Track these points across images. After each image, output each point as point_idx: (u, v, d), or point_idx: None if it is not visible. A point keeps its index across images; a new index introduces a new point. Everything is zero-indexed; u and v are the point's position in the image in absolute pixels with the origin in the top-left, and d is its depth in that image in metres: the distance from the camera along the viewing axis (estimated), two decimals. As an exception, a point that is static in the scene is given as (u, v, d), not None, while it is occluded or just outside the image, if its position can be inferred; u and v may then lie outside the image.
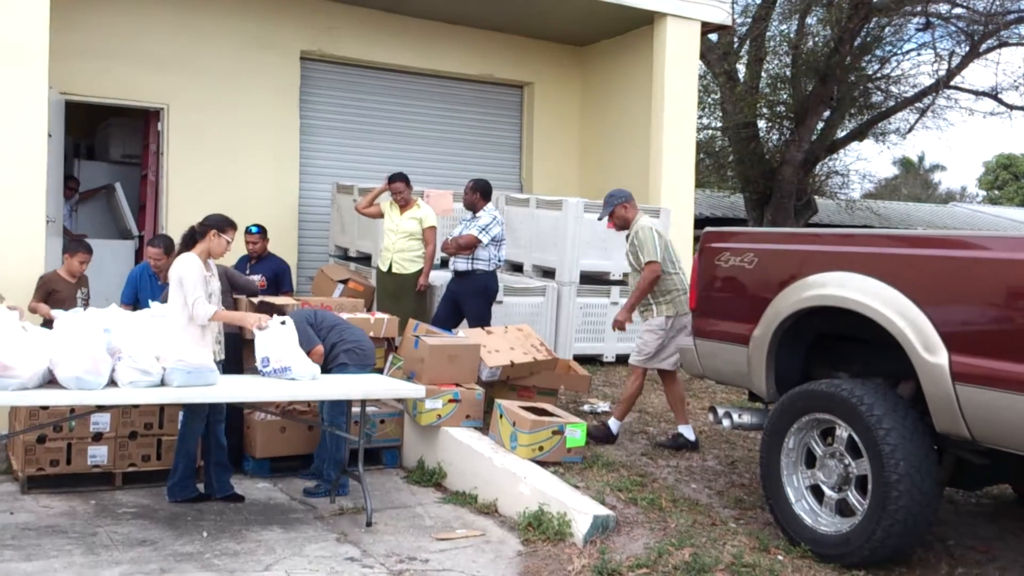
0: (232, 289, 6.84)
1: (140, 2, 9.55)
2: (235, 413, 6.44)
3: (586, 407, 7.53)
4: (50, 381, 4.85)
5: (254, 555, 4.85)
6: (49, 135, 7.71)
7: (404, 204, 8.25)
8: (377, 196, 8.51)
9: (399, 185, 8.21)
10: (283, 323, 5.72)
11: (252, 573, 4.61)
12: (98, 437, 5.98)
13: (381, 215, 8.46)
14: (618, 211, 6.82)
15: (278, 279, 8.20)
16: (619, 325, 6.73)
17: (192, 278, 5.59)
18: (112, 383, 4.92)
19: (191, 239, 5.80)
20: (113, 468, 6.01)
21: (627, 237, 6.83)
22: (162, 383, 5.01)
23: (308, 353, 5.92)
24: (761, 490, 5.21)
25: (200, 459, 5.97)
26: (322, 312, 6.45)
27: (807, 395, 4.85)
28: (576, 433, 6.08)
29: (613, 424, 6.71)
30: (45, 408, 5.72)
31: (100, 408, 5.70)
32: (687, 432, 6.68)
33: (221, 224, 5.81)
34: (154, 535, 5.10)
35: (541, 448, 5.99)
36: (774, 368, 5.12)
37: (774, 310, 5.04)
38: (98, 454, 5.97)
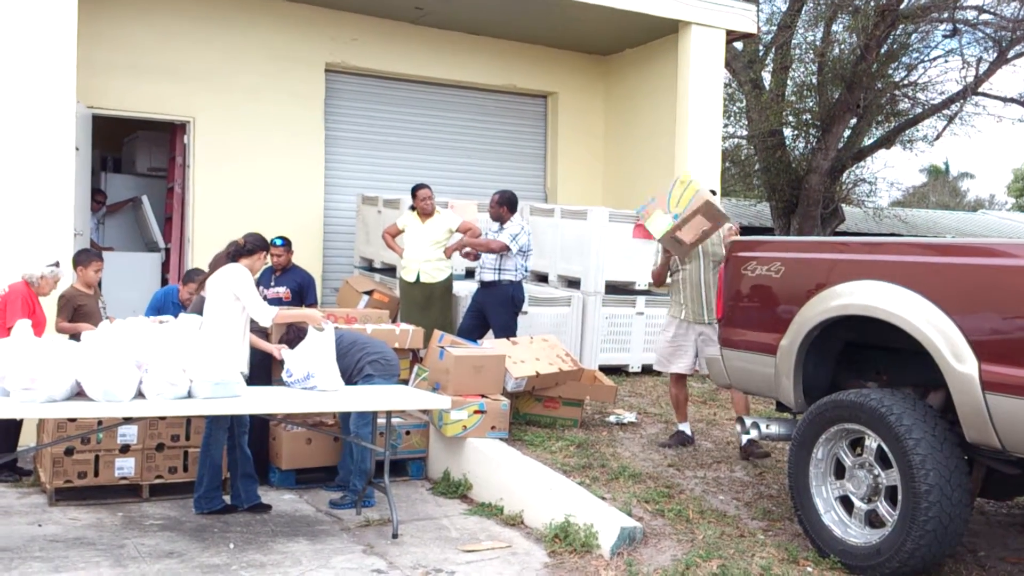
0: None
1: (166, 17, 9.65)
2: (261, 425, 6.47)
3: (612, 418, 7.49)
4: (78, 394, 4.89)
5: (280, 567, 4.85)
6: (76, 148, 7.81)
7: (430, 212, 8.26)
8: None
9: (427, 191, 8.24)
10: (322, 330, 5.83)
11: (278, 585, 4.62)
12: (125, 449, 6.02)
13: (401, 232, 8.46)
14: None
15: (302, 291, 8.23)
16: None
17: (248, 285, 5.76)
18: (139, 395, 4.95)
19: (237, 253, 5.90)
20: (140, 480, 6.05)
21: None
22: (189, 395, 5.04)
23: None
24: (790, 501, 5.15)
25: (226, 471, 6.00)
26: (341, 332, 6.47)
27: (836, 405, 4.78)
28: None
29: (684, 426, 6.85)
30: (73, 420, 5.77)
31: (127, 420, 5.75)
32: (686, 428, 6.93)
33: (266, 246, 6.07)
34: (181, 547, 5.11)
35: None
36: (802, 378, 5.07)
37: (801, 319, 4.99)
38: (125, 466, 6.01)
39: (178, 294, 7.36)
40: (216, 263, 5.96)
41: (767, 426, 5.36)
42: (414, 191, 8.36)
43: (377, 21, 10.71)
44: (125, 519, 5.62)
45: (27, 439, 6.59)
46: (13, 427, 6.31)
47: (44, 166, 7.40)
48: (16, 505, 5.82)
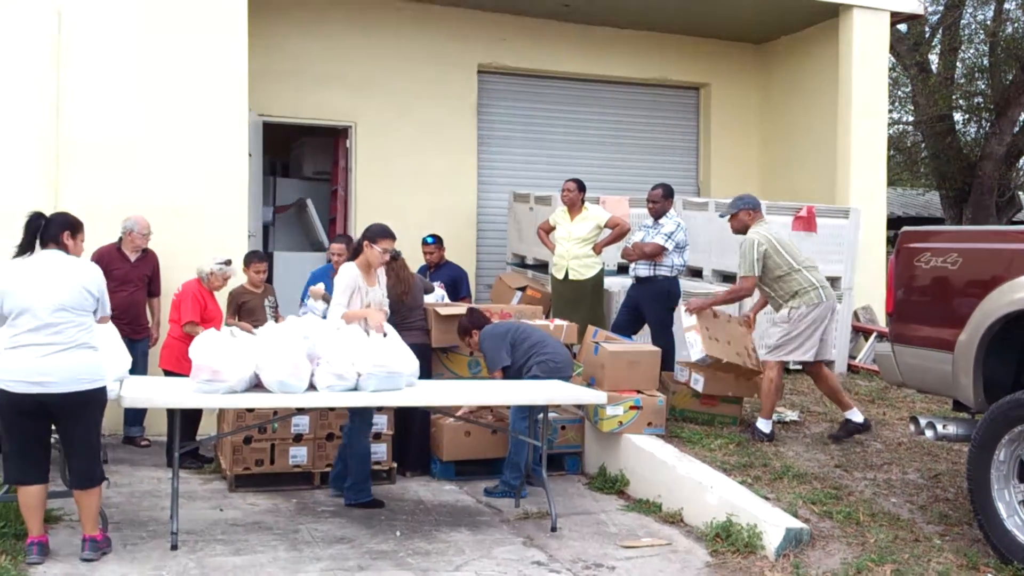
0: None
1: (329, 28, 10.05)
2: (423, 417, 6.66)
3: (773, 416, 7.27)
4: (256, 385, 5.17)
5: (444, 555, 4.98)
6: (249, 154, 8.24)
7: (571, 206, 8.26)
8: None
9: (569, 184, 8.25)
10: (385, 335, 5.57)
11: (443, 572, 4.73)
12: (298, 438, 6.31)
13: (554, 228, 8.49)
14: (741, 215, 6.80)
15: (456, 286, 8.41)
16: (689, 307, 6.90)
17: (340, 285, 5.78)
18: (311, 387, 5.19)
19: (356, 250, 6.02)
20: (312, 468, 6.32)
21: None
22: (356, 388, 5.24)
23: (492, 372, 6.25)
24: (968, 505, 4.89)
25: (340, 461, 6.10)
26: (527, 328, 6.51)
27: (1019, 404, 4.51)
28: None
29: (762, 424, 6.61)
30: (251, 411, 6.09)
31: (300, 411, 6.03)
32: (854, 416, 6.65)
33: (372, 235, 5.86)
34: (351, 533, 5.32)
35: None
36: (982, 375, 4.79)
37: (981, 313, 4.72)
38: (298, 454, 6.30)
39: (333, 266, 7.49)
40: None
41: (944, 426, 5.09)
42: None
43: (526, 20, 10.80)
44: (299, 505, 5.89)
45: (208, 428, 7.00)
46: (194, 417, 6.71)
47: (221, 171, 7.83)
48: (199, 491, 6.19)
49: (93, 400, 4.61)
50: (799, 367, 8.86)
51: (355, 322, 5.66)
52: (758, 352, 7.13)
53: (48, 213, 4.87)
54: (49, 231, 4.72)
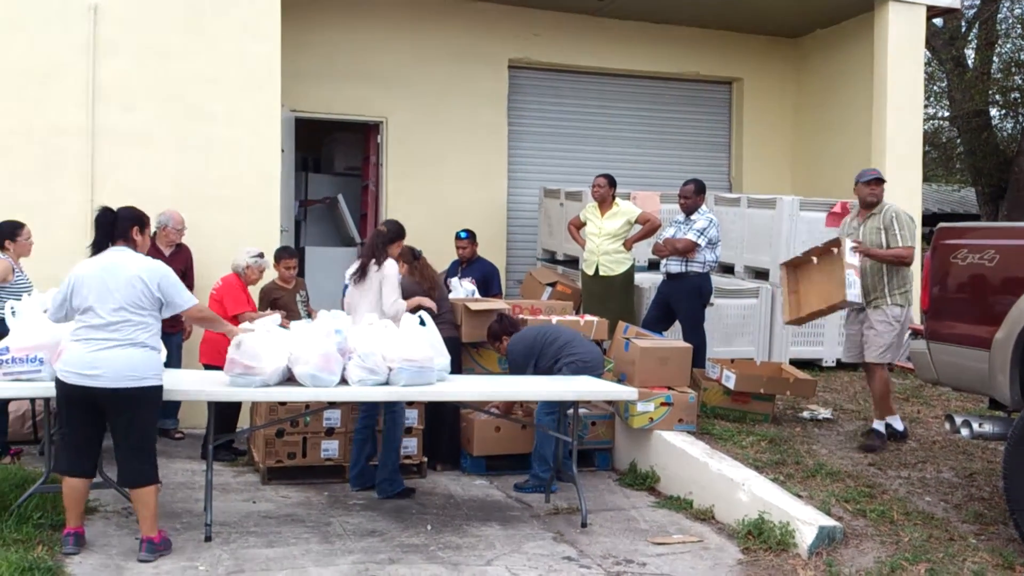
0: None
1: (361, 25, 10.10)
2: (454, 411, 6.68)
3: (806, 413, 7.23)
4: (288, 379, 5.21)
5: (475, 549, 4.99)
6: (282, 150, 8.29)
7: (601, 201, 8.23)
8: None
9: (599, 180, 8.23)
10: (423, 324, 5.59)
11: (474, 566, 4.75)
12: (330, 432, 6.35)
13: (584, 224, 8.48)
14: (882, 188, 6.64)
15: (487, 282, 8.41)
16: (858, 247, 6.41)
17: (394, 280, 6.18)
18: (343, 381, 5.22)
19: (384, 243, 6.26)
20: (343, 462, 6.35)
21: (864, 217, 6.61)
22: (387, 382, 5.26)
23: None
24: (1004, 504, 4.83)
25: (360, 458, 6.16)
26: (556, 329, 6.51)
27: (1060, 403, 4.44)
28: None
29: (896, 422, 6.57)
30: (283, 404, 6.13)
31: (332, 405, 6.08)
32: (895, 423, 6.59)
33: (404, 233, 6.42)
34: (382, 526, 5.35)
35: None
36: (1019, 373, 4.73)
37: (1019, 311, 4.65)
38: (330, 448, 6.35)
39: None
40: (376, 251, 6.23)
41: (979, 424, 5.02)
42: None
43: (558, 15, 10.79)
44: (330, 498, 5.94)
45: (241, 422, 7.06)
46: (233, 411, 6.77)
47: (255, 167, 7.88)
48: (232, 483, 6.25)
49: (142, 398, 4.63)
50: (832, 364, 8.88)
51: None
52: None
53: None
54: (118, 228, 4.81)
